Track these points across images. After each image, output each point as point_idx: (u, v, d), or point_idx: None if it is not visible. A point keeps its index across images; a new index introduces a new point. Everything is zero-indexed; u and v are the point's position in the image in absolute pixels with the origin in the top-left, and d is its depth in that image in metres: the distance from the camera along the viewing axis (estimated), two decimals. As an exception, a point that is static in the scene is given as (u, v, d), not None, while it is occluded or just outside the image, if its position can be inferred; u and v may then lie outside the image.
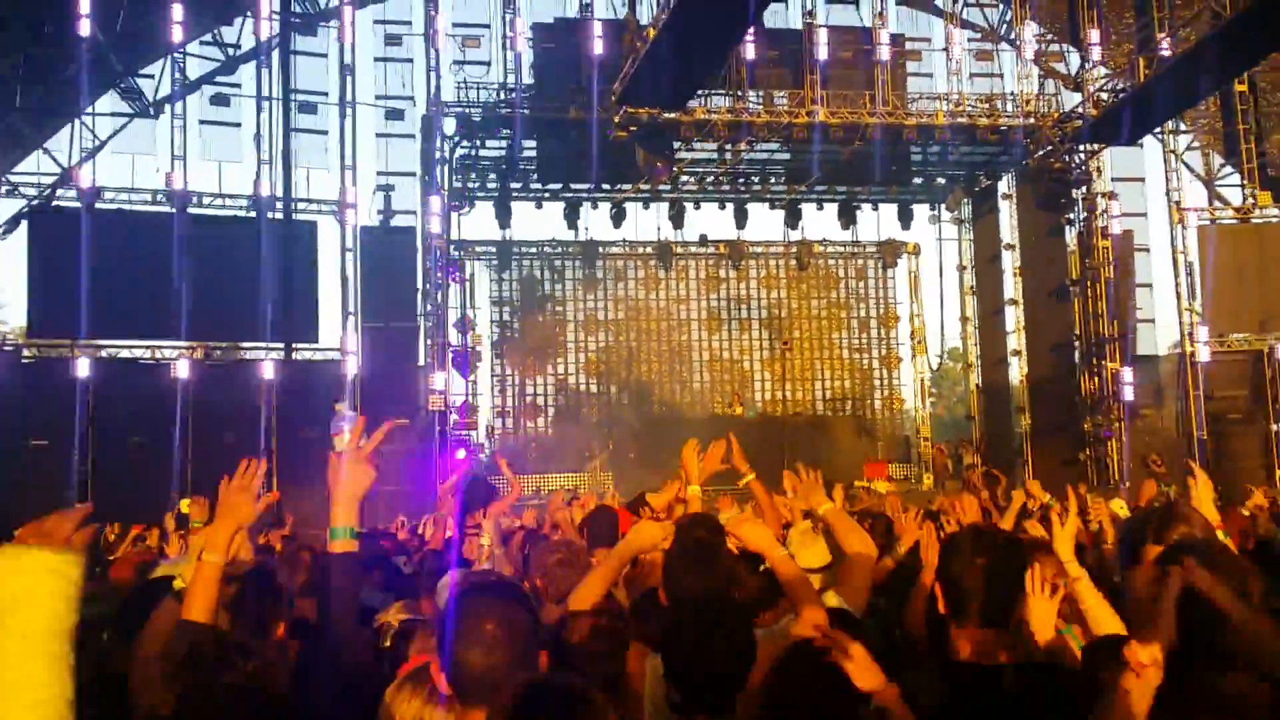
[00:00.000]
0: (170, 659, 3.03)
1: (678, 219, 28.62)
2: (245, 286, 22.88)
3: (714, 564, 3.60)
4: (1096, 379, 26.38)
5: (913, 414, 32.69)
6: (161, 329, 22.91)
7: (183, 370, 22.73)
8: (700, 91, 24.38)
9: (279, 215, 24.27)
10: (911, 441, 31.24)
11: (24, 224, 23.08)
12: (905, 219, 30.26)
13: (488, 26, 25.14)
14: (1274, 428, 24.99)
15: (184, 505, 13.83)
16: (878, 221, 30.73)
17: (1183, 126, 26.64)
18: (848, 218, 29.74)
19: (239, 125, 24.36)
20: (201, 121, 24.15)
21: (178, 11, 22.83)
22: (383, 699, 2.90)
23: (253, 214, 24.20)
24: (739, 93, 24.72)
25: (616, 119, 23.56)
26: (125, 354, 23.90)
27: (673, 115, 23.87)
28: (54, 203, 23.39)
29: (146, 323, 23.14)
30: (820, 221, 30.42)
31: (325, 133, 24.62)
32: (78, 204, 22.98)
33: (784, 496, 5.45)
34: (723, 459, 5.50)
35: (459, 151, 25.85)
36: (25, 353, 23.66)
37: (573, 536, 6.86)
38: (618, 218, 28.18)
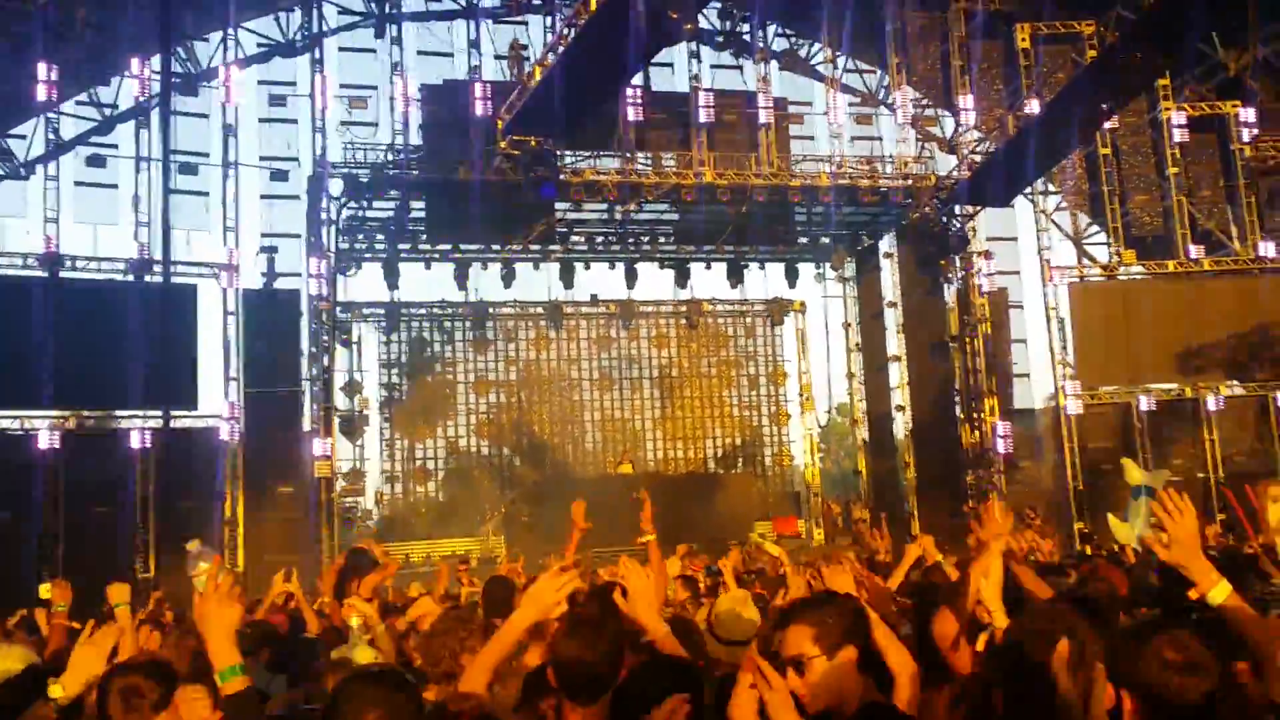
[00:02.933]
0: None
1: (568, 279, 28.64)
2: (121, 352, 22.05)
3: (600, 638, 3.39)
4: (977, 432, 27.05)
5: (802, 469, 33.03)
6: (28, 398, 21.99)
7: (46, 440, 21.84)
8: (589, 153, 24.60)
9: (158, 278, 23.62)
10: (802, 497, 31.53)
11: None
12: (791, 277, 30.76)
13: (375, 88, 25.11)
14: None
15: (44, 590, 13.22)
16: (765, 280, 31.26)
17: (1051, 188, 27.69)
18: (736, 277, 30.13)
19: (116, 186, 23.79)
20: (76, 183, 23.50)
21: (44, 71, 22.19)
22: None
23: (130, 277, 23.53)
24: (628, 154, 25.02)
25: (503, 144, 23.36)
26: (-9, 424, 22.87)
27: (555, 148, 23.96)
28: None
29: (12, 391, 22.13)
30: (709, 280, 30.76)
31: (207, 194, 24.17)
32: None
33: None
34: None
35: (346, 212, 25.49)
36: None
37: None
38: (508, 278, 28.11)
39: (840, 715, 2.89)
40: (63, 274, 22.99)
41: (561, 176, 24.34)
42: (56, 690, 3.39)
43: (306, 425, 24.08)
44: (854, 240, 30.37)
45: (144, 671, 3.34)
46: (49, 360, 21.42)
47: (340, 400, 26.24)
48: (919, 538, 10.74)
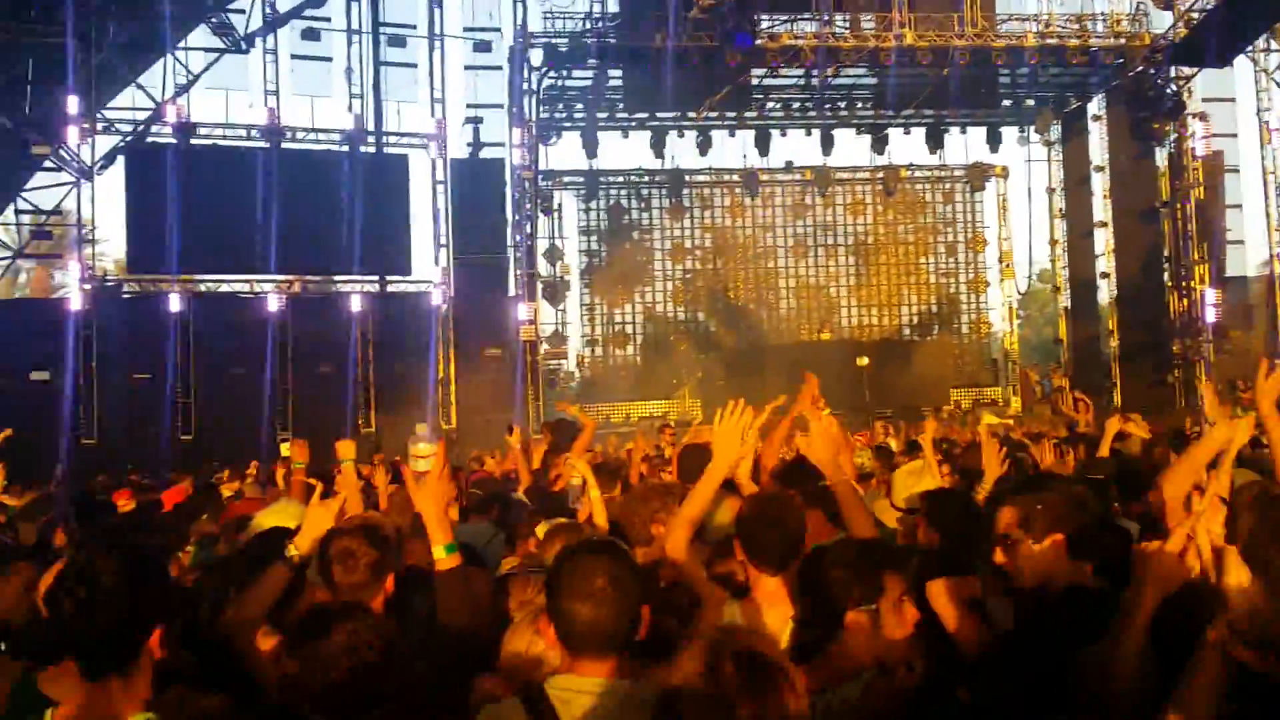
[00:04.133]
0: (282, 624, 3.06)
1: (764, 146, 28.51)
2: (337, 220, 23.26)
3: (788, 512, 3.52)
4: (1185, 300, 26.04)
5: (1000, 336, 32.48)
6: (254, 263, 23.33)
7: (274, 304, 23.23)
8: (785, 17, 24.17)
9: (371, 149, 24.66)
10: (999, 364, 31.10)
11: (120, 160, 23.54)
12: (993, 142, 29.82)
13: (575, -45, 25.09)
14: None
15: (284, 449, 14.35)
16: (965, 145, 30.40)
17: (1274, 45, 25.81)
18: (935, 141, 29.39)
19: (329, 59, 24.57)
20: (293, 56, 24.37)
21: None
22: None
23: (345, 148, 24.61)
24: (825, 17, 24.47)
25: (699, 7, 22.92)
26: (221, 289, 24.51)
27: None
28: (149, 139, 23.81)
29: (240, 257, 23.58)
30: (907, 146, 30.07)
31: (414, 65, 24.95)
32: (172, 140, 23.41)
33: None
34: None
35: (546, 82, 25.95)
36: (125, 288, 24.26)
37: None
38: (704, 145, 28.20)
39: (1048, 594, 2.98)
40: (283, 145, 24.19)
41: (758, 42, 24.03)
42: (291, 550, 3.45)
43: (511, 290, 25.01)
44: (1060, 102, 29.12)
45: (360, 535, 3.42)
46: (273, 227, 22.70)
47: (542, 266, 27.06)
48: (1131, 417, 10.63)
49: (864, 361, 24.84)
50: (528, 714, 2.45)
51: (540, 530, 4.47)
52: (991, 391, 29.04)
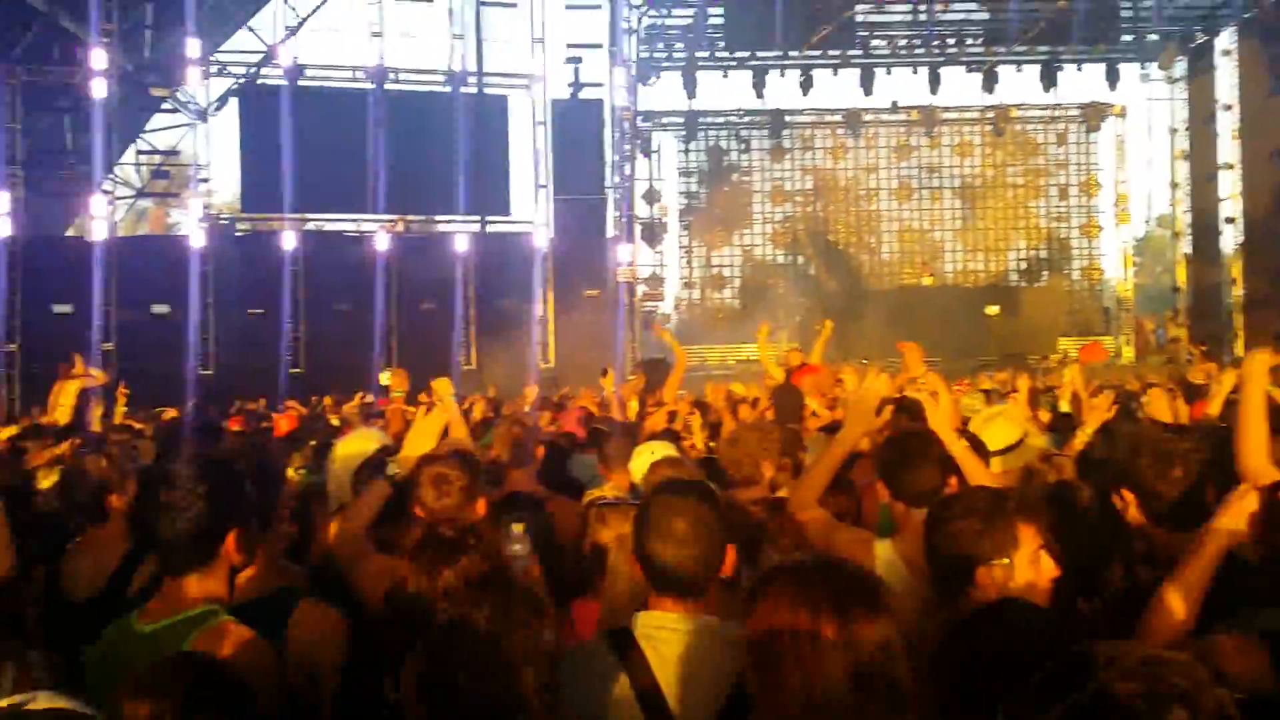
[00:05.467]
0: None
1: (868, 85, 27.75)
2: (440, 161, 23.58)
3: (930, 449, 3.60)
4: (1319, 248, 24.75)
5: (1114, 284, 31.39)
6: (362, 203, 23.77)
7: (382, 243, 23.62)
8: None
9: (472, 89, 24.71)
10: (1111, 313, 30.08)
11: (233, 102, 24.18)
12: (1112, 79, 28.54)
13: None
14: None
15: (384, 377, 14.58)
16: (1081, 82, 29.17)
17: None
18: (1049, 79, 28.23)
19: (431, 0, 24.66)
20: (396, -2, 24.50)
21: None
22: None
23: (447, 89, 24.70)
24: (935, -51, 23.67)
25: None
26: (329, 227, 25.01)
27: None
28: (259, 80, 24.28)
29: (347, 197, 24.02)
30: (1019, 84, 29.01)
31: (514, 5, 24.80)
32: (283, 81, 23.80)
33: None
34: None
35: (646, 20, 25.68)
36: (239, 226, 25.07)
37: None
38: (805, 85, 27.54)
39: None
40: (387, 86, 24.39)
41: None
42: (394, 468, 3.66)
43: (610, 232, 24.96)
44: (1187, 37, 27.70)
45: (454, 460, 3.61)
46: (380, 168, 23.15)
47: (641, 208, 26.93)
48: (1252, 355, 10.14)
49: (995, 311, 24.34)
50: (616, 657, 2.48)
51: (634, 460, 4.65)
52: (1106, 340, 28.07)
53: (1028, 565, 2.72)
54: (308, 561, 3.72)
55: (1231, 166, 27.06)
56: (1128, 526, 3.24)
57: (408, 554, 2.78)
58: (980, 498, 2.86)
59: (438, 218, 25.12)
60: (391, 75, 24.54)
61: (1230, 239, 27.61)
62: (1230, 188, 27.17)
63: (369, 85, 24.25)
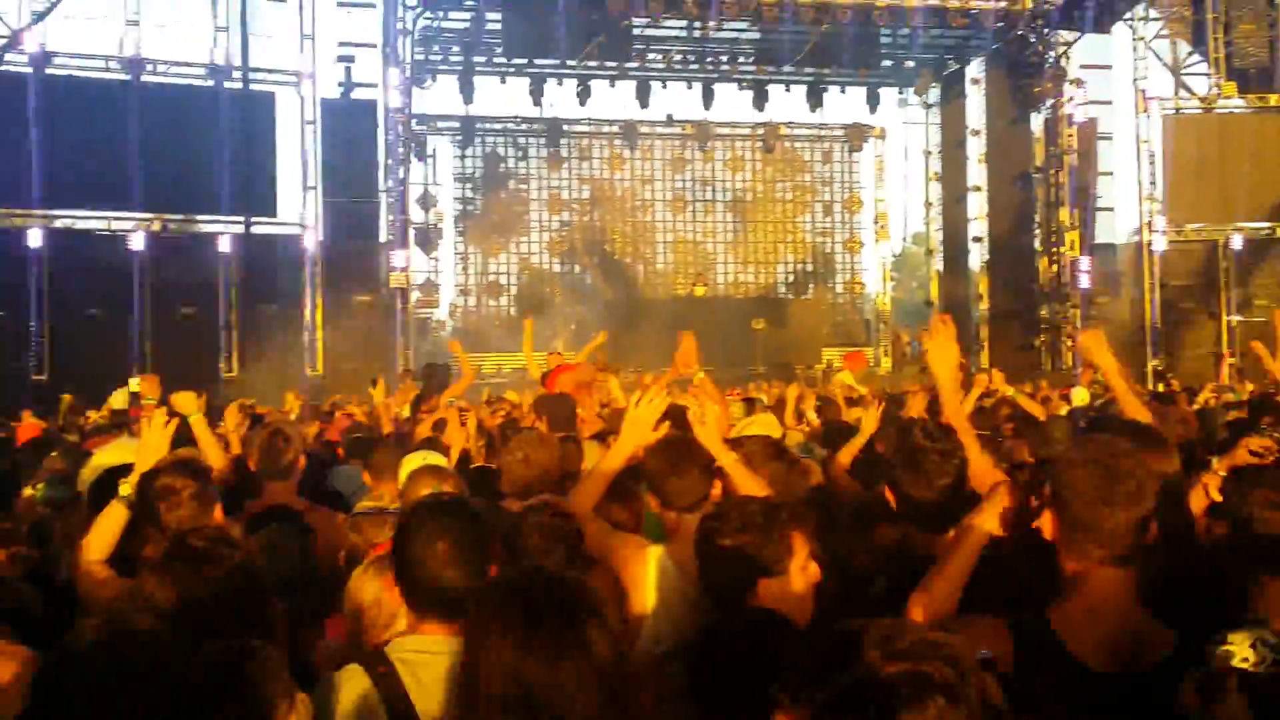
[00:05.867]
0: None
1: (644, 97, 28.21)
2: (202, 158, 22.59)
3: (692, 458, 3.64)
4: (1055, 265, 26.62)
5: (874, 297, 32.90)
6: (116, 200, 22.43)
7: (138, 242, 22.33)
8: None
9: (237, 85, 23.71)
10: (872, 325, 31.55)
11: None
12: (872, 102, 29.99)
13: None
14: (1227, 319, 25.40)
15: (134, 383, 13.75)
16: (845, 104, 30.50)
17: (1153, 13, 26.42)
18: (815, 100, 29.44)
19: (194, -11, 23.66)
20: (157, -15, 23.38)
21: None
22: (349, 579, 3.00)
23: (210, 83, 23.62)
24: (709, -32, 24.18)
25: None
26: (80, 225, 23.45)
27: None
28: (1, 68, 22.61)
29: (101, 193, 22.57)
30: (787, 103, 30.11)
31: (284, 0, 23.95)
32: (28, 69, 22.24)
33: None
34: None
35: (422, 22, 25.21)
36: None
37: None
38: (583, 95, 27.74)
39: None
40: (144, 78, 23.12)
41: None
42: (125, 488, 3.46)
43: (383, 236, 24.41)
44: (940, 65, 29.41)
45: (176, 469, 3.47)
46: (135, 163, 21.89)
47: (415, 213, 26.47)
48: (992, 373, 10.76)
49: (760, 325, 25.02)
50: (372, 682, 2.36)
51: (403, 469, 4.40)
52: (867, 351, 29.34)
53: (799, 573, 2.75)
54: (53, 585, 3.51)
55: (979, 189, 28.76)
56: (890, 528, 3.34)
57: (150, 567, 2.61)
58: (754, 509, 2.85)
59: (199, 217, 23.86)
60: (150, 67, 23.24)
61: (978, 256, 29.38)
62: (978, 208, 28.90)
63: (124, 76, 22.91)
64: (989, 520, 2.69)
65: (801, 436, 6.17)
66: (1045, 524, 2.37)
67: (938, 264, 30.94)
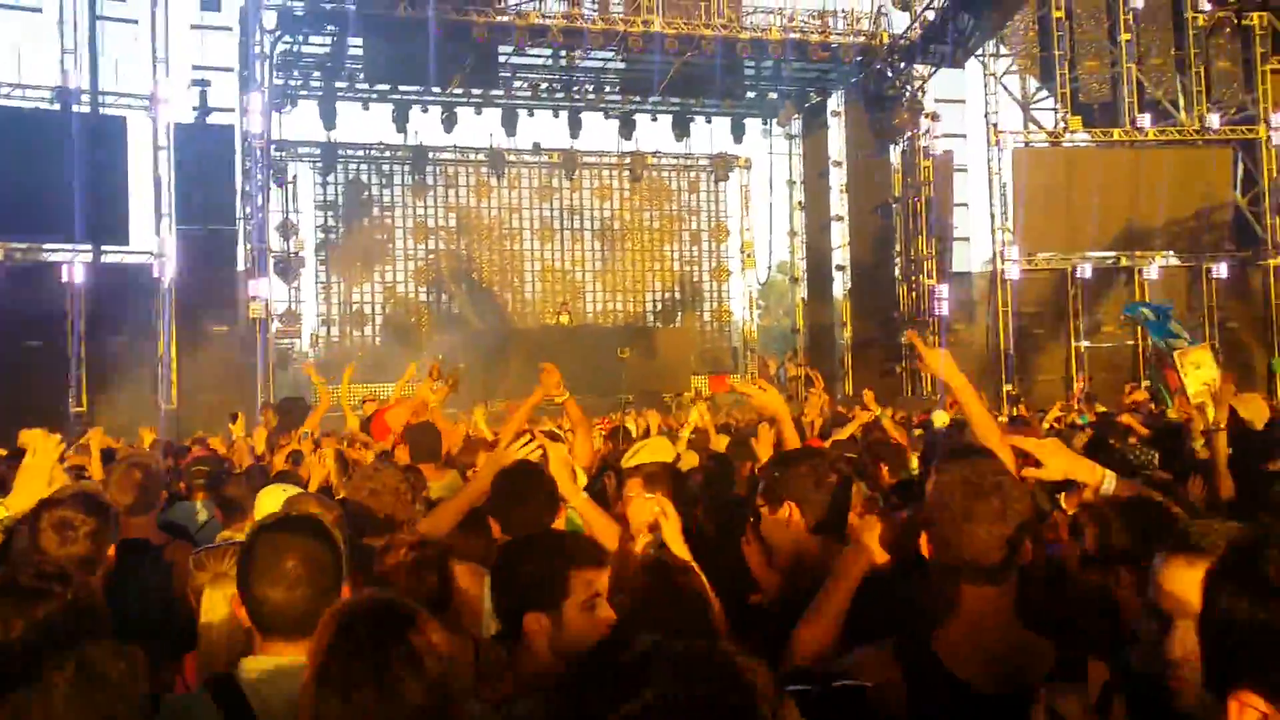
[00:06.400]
0: None
1: (510, 126, 28.13)
2: (48, 183, 21.51)
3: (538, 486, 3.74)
4: (914, 294, 27.33)
5: (741, 325, 33.27)
6: (-49, 227, 21.31)
7: (-25, 272, 21.27)
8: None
9: (85, 109, 22.82)
10: (739, 352, 31.88)
11: None
12: (738, 133, 30.47)
13: (312, -86, 23.89)
14: (1075, 345, 26.40)
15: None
16: (711, 135, 30.90)
17: (1003, 50, 27.45)
18: (681, 130, 29.77)
19: (40, 10, 22.71)
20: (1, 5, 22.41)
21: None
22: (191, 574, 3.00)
23: (57, 106, 22.68)
24: (574, -3, 24.26)
25: None
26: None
27: None
28: None
29: (-64, 220, 21.45)
30: (654, 133, 30.42)
31: (135, 21, 23.18)
32: None
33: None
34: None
35: (281, 47, 24.64)
36: None
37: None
38: (449, 122, 27.49)
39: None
40: (-17, 101, 22.12)
41: (505, 19, 23.61)
42: (1, 512, 3.35)
43: (241, 265, 23.70)
44: (802, 97, 30.00)
45: (77, 503, 3.30)
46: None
47: (275, 241, 25.80)
48: (864, 394, 10.88)
49: (626, 354, 24.99)
50: (217, 706, 2.30)
51: (259, 502, 4.32)
52: (734, 379, 29.57)
53: (578, 613, 2.59)
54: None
55: (841, 218, 29.41)
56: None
57: None
58: (540, 544, 2.79)
59: (45, 245, 22.82)
60: (-11, 89, 22.25)
61: (841, 285, 29.96)
62: (840, 237, 29.52)
63: (-37, 99, 21.86)
64: (866, 549, 2.74)
65: (696, 460, 6.14)
66: (924, 544, 2.37)
67: (803, 292, 31.45)
